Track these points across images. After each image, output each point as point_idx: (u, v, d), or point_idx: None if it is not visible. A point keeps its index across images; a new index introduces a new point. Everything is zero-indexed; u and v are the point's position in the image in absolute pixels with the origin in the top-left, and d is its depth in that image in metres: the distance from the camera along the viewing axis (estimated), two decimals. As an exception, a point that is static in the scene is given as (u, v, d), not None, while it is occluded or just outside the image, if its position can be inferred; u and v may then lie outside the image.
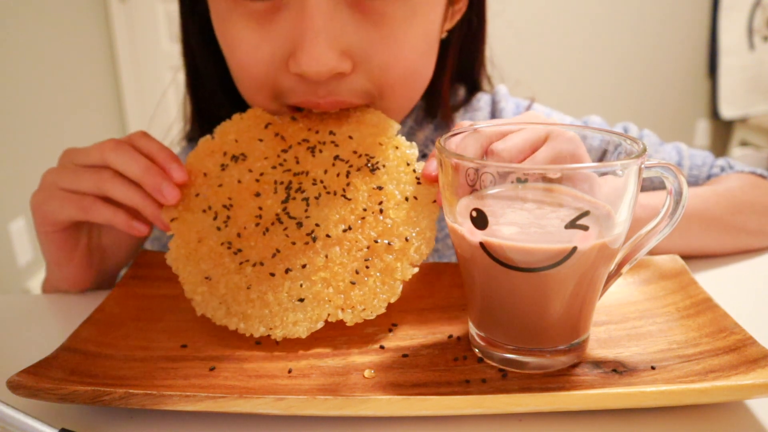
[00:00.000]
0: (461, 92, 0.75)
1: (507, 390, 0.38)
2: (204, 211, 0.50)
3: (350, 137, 0.51)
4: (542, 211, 0.37)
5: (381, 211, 0.47)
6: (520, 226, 0.37)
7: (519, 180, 0.36)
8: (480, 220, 0.37)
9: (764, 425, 0.37)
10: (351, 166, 0.49)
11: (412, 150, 0.49)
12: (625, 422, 0.37)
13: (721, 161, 0.71)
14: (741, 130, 2.95)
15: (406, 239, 0.46)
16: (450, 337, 0.45)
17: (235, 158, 0.51)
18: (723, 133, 3.05)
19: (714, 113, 2.98)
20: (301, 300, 0.45)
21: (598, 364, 0.41)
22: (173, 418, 0.39)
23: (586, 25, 2.86)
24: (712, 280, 0.52)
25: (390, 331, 0.46)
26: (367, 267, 0.46)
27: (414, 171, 0.48)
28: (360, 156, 0.50)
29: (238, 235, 0.48)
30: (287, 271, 0.46)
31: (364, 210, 0.47)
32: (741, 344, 0.40)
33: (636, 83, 2.95)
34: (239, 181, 0.50)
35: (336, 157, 0.50)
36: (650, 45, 2.90)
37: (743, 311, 0.46)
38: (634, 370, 0.40)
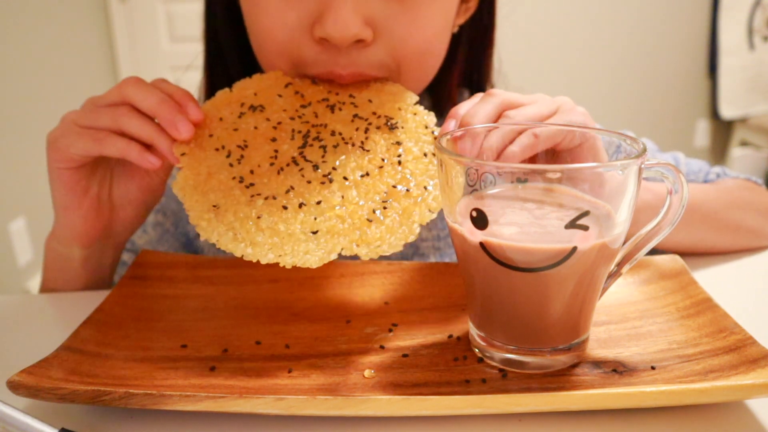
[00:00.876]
0: (466, 96, 0.76)
1: (507, 390, 0.38)
2: (217, 149, 0.49)
3: (370, 101, 0.51)
4: (542, 211, 0.37)
5: (399, 162, 0.47)
6: (520, 226, 0.37)
7: (519, 180, 0.36)
8: (480, 220, 0.37)
9: (764, 425, 0.37)
10: (370, 123, 0.49)
11: (429, 116, 0.50)
12: (625, 422, 0.37)
13: (716, 168, 0.72)
14: (741, 130, 2.95)
15: (425, 188, 0.46)
16: (450, 337, 0.45)
17: (253, 108, 0.51)
18: (723, 133, 3.05)
19: (714, 113, 2.98)
20: (315, 232, 0.43)
21: (598, 364, 0.41)
22: (173, 418, 0.39)
23: (585, 26, 2.86)
24: (712, 280, 0.52)
25: (390, 331, 0.46)
26: (384, 208, 0.45)
27: (432, 133, 0.48)
28: (379, 117, 0.50)
29: (251, 171, 0.47)
30: (301, 205, 0.45)
31: (383, 160, 0.47)
32: (741, 344, 0.40)
33: (636, 83, 2.95)
34: (255, 128, 0.50)
35: (355, 116, 0.50)
36: (650, 45, 2.90)
37: (743, 311, 0.46)
38: (634, 370, 0.40)
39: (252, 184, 0.46)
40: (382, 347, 0.44)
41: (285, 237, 0.43)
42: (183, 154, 0.49)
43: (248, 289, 0.54)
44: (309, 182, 0.46)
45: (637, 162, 0.36)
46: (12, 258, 2.09)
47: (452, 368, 0.41)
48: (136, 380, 0.40)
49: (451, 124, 0.47)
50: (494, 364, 0.41)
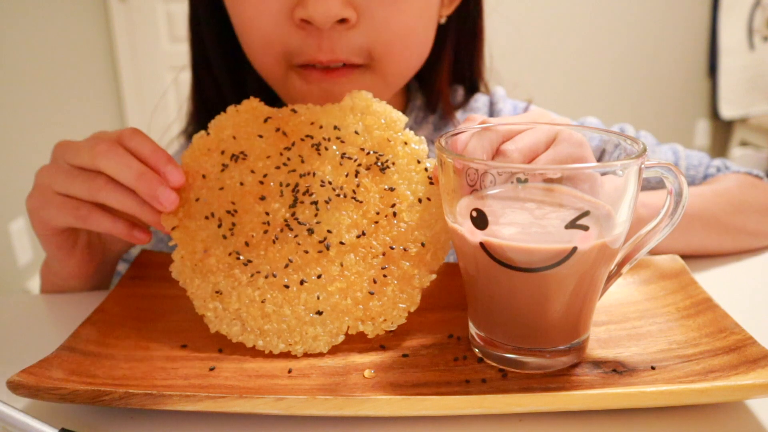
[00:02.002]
0: (460, 92, 0.76)
1: (507, 390, 0.38)
2: (207, 217, 0.48)
3: (356, 132, 0.48)
4: (542, 211, 0.37)
5: (395, 214, 0.46)
6: (521, 226, 0.37)
7: (519, 180, 0.36)
8: (480, 220, 0.37)
9: (764, 425, 0.37)
10: (360, 164, 0.47)
11: (421, 146, 0.48)
12: (625, 422, 0.37)
13: (717, 162, 0.71)
14: (741, 130, 2.95)
15: (422, 244, 0.45)
16: (450, 337, 0.45)
17: (235, 157, 0.49)
18: (723, 133, 3.05)
19: (714, 113, 2.98)
20: (319, 313, 0.44)
21: (598, 364, 0.41)
22: (173, 418, 0.39)
23: (585, 26, 2.86)
24: (712, 280, 0.52)
25: (390, 331, 0.46)
26: (384, 276, 0.45)
27: (426, 170, 0.47)
28: (368, 153, 0.48)
29: (246, 243, 0.47)
30: (302, 282, 0.45)
31: (377, 213, 0.46)
32: (741, 344, 0.40)
33: (636, 83, 2.95)
34: (241, 184, 0.48)
35: (343, 155, 0.48)
36: (650, 45, 2.90)
37: (743, 311, 0.46)
38: (634, 370, 0.40)
39: (250, 261, 0.46)
40: (382, 347, 0.44)
41: (292, 321, 0.44)
42: (174, 228, 0.47)
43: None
44: (306, 252, 0.46)
45: (637, 162, 0.36)
46: (12, 258, 2.09)
47: (452, 368, 0.41)
48: (136, 380, 0.40)
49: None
50: (494, 364, 0.41)
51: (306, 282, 0.45)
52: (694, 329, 0.44)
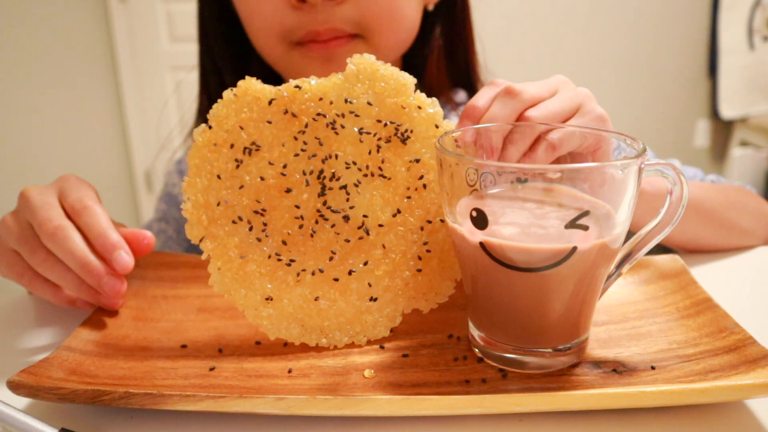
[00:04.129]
0: (461, 95, 0.76)
1: (507, 390, 0.38)
2: (234, 222, 0.45)
3: (369, 103, 0.45)
4: (542, 211, 0.37)
5: (424, 186, 0.45)
6: (520, 226, 0.37)
7: (519, 180, 0.36)
8: (480, 220, 0.37)
9: (764, 425, 0.37)
10: (380, 138, 0.45)
11: (436, 108, 0.46)
12: (625, 422, 0.37)
13: (711, 176, 0.73)
14: (741, 130, 2.94)
15: None
16: (450, 337, 0.45)
17: (247, 150, 0.45)
18: (723, 133, 3.04)
19: (714, 113, 2.98)
20: (374, 299, 0.45)
21: (598, 364, 0.41)
22: (173, 418, 0.39)
23: (585, 25, 2.86)
24: (712, 280, 0.52)
25: (390, 331, 0.46)
26: (427, 251, 0.45)
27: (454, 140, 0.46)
28: (386, 125, 0.45)
29: (284, 242, 0.45)
30: (350, 272, 0.45)
31: (407, 189, 0.45)
32: (741, 344, 0.40)
33: (636, 83, 2.94)
34: (262, 178, 0.45)
35: (361, 131, 0.45)
36: (650, 45, 2.90)
37: (743, 311, 0.46)
38: (634, 370, 0.40)
39: (293, 261, 0.45)
40: (382, 347, 0.44)
41: (349, 313, 0.45)
42: (202, 240, 0.45)
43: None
44: (347, 240, 0.45)
45: (637, 162, 0.36)
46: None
47: (452, 368, 0.41)
48: (136, 380, 0.40)
49: (469, 133, 0.44)
50: (494, 364, 0.41)
51: (354, 271, 0.45)
52: (694, 329, 0.44)
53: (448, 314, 0.48)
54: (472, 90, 0.77)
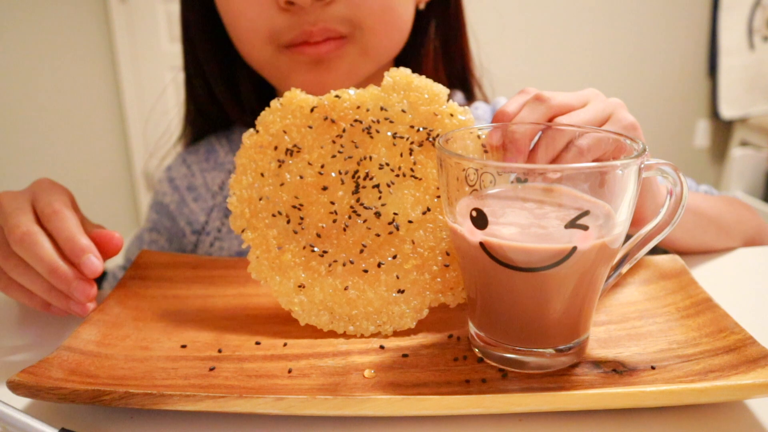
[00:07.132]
0: (459, 97, 0.76)
1: (507, 390, 0.38)
2: (274, 215, 0.49)
3: (403, 111, 0.48)
4: (542, 210, 0.37)
5: None
6: (520, 226, 0.37)
7: (519, 180, 0.36)
8: (480, 220, 0.37)
9: (764, 425, 0.37)
10: (412, 142, 0.48)
11: (467, 116, 0.48)
12: (625, 422, 0.37)
13: (704, 187, 0.74)
14: (741, 130, 2.94)
15: None
16: (450, 337, 0.45)
17: (289, 152, 0.49)
18: (723, 133, 3.04)
19: (714, 113, 2.98)
20: (401, 291, 0.46)
21: (598, 364, 0.41)
22: (173, 418, 0.39)
23: (585, 25, 2.86)
24: (712, 280, 0.52)
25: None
26: None
27: (479, 137, 0.46)
28: (418, 130, 0.48)
29: (318, 235, 0.48)
30: (379, 264, 0.47)
31: (437, 189, 0.47)
32: (741, 344, 0.40)
33: (636, 83, 2.94)
34: (301, 177, 0.49)
35: (395, 135, 0.48)
36: (650, 45, 2.90)
37: (743, 311, 0.46)
38: (634, 370, 0.40)
39: (326, 252, 0.48)
40: (382, 347, 0.44)
41: (377, 303, 0.46)
42: (243, 231, 0.48)
43: (248, 289, 0.54)
44: (378, 235, 0.47)
45: (637, 162, 0.36)
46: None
47: (452, 368, 0.41)
48: (136, 380, 0.40)
49: (495, 135, 0.44)
50: (494, 364, 0.41)
51: (383, 264, 0.47)
52: (694, 329, 0.44)
53: (448, 314, 0.48)
54: (468, 90, 0.77)
